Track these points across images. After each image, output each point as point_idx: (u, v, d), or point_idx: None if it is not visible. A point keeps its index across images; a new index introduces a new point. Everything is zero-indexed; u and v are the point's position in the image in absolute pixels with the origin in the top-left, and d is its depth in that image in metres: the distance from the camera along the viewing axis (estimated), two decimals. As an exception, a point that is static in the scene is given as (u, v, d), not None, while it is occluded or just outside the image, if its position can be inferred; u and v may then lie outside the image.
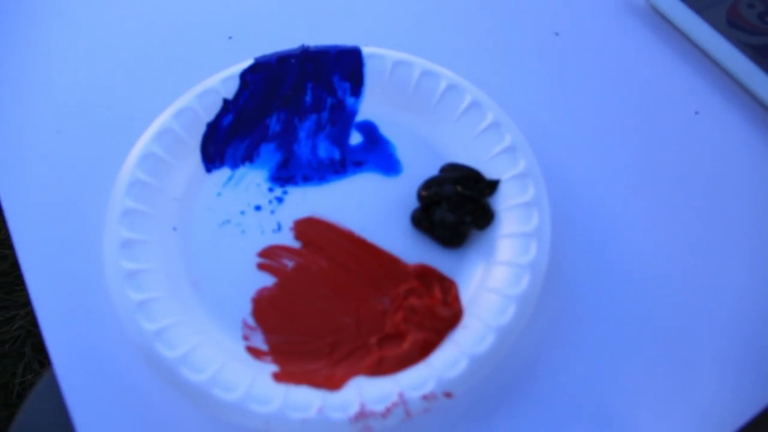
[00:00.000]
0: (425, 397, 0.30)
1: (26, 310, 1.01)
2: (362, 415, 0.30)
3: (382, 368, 0.32)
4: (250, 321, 0.34)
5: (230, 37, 0.46)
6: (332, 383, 0.32)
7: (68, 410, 0.32)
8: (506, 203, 0.36)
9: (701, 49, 0.45)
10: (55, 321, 0.35)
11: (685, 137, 0.41)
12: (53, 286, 0.36)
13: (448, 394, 0.30)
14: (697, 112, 0.42)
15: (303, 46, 0.41)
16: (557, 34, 0.45)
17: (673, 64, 0.44)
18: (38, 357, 0.98)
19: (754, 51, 0.44)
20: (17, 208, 0.39)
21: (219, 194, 0.38)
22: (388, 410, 0.30)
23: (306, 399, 0.31)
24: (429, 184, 0.37)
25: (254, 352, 0.33)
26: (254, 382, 0.31)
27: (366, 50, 0.41)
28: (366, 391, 0.31)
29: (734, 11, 0.46)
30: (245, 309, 0.34)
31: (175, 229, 0.37)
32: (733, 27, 0.45)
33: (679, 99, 0.42)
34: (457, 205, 0.36)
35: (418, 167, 0.38)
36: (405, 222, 0.37)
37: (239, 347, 0.33)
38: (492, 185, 0.36)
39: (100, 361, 0.34)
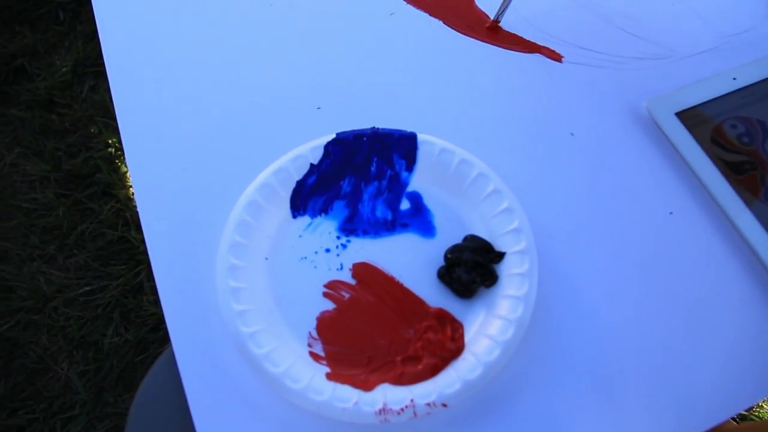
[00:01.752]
0: (428, 405, 0.43)
1: (118, 282, 1.18)
2: (384, 411, 0.43)
3: (401, 380, 0.45)
4: (314, 333, 0.48)
5: (319, 108, 0.60)
6: (366, 385, 0.45)
7: (183, 386, 0.47)
8: (508, 271, 0.49)
9: (684, 159, 0.56)
10: (177, 318, 0.49)
11: (658, 232, 0.53)
12: (177, 291, 0.50)
13: (444, 405, 0.44)
14: (671, 213, 0.54)
15: (374, 128, 0.55)
16: (572, 134, 0.58)
17: (659, 168, 0.56)
18: (124, 323, 1.15)
19: (727, 166, 0.55)
20: (153, 227, 0.53)
21: (300, 236, 0.52)
22: (402, 410, 0.43)
23: (347, 394, 0.44)
24: (453, 249, 0.50)
25: (314, 356, 0.47)
26: (313, 378, 0.45)
27: (421, 137, 0.54)
28: (388, 394, 0.44)
29: (719, 130, 0.58)
30: (311, 324, 0.48)
31: (266, 259, 0.51)
32: (714, 143, 0.57)
33: (659, 199, 0.54)
34: (472, 267, 0.49)
35: (448, 234, 0.52)
36: (432, 275, 0.50)
37: (304, 351, 0.47)
38: (499, 256, 0.49)
39: (207, 350, 0.48)
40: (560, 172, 0.56)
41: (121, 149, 1.37)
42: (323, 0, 0.67)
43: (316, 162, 0.54)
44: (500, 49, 0.64)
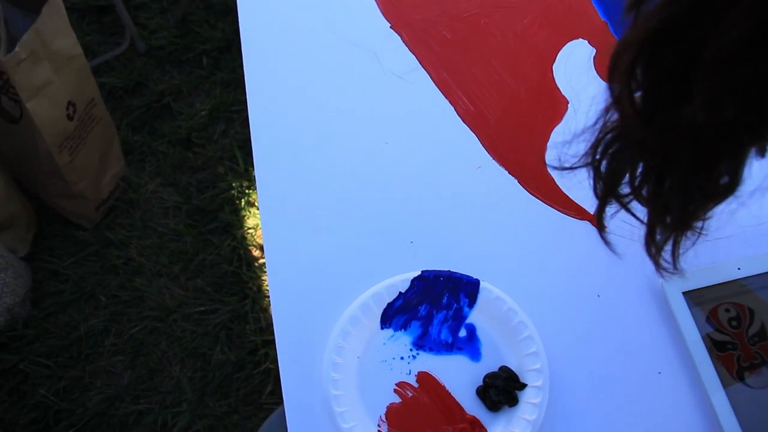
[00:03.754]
0: (453, 488, 0.63)
1: (227, 308, 1.42)
2: (422, 486, 0.64)
3: (438, 465, 0.65)
4: (383, 418, 0.69)
5: (411, 242, 0.80)
6: (414, 464, 0.66)
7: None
8: (526, 399, 0.68)
9: (680, 330, 0.73)
10: (292, 391, 0.71)
11: (646, 387, 0.71)
12: (294, 375, 0.72)
13: (464, 490, 0.63)
14: (659, 372, 0.71)
15: (449, 271, 0.75)
16: (599, 296, 0.76)
17: (659, 332, 0.73)
18: (228, 343, 1.39)
19: (714, 344, 0.72)
20: (282, 328, 0.75)
21: (384, 344, 0.73)
22: (435, 488, 0.63)
23: (399, 469, 0.65)
24: (490, 375, 0.69)
25: (381, 435, 0.68)
26: (378, 452, 0.66)
27: (483, 284, 0.74)
28: (428, 474, 0.65)
29: (714, 311, 0.75)
30: (382, 411, 0.69)
31: (358, 357, 0.72)
32: (708, 323, 0.74)
33: (652, 359, 0.72)
34: (501, 391, 0.68)
35: (489, 361, 0.71)
36: (472, 390, 0.70)
37: (374, 430, 0.68)
38: (522, 386, 0.69)
39: (311, 419, 0.69)
40: (582, 325, 0.74)
41: (242, 192, 1.62)
42: (428, 147, 0.87)
43: (403, 290, 0.74)
44: (557, 212, 0.83)
